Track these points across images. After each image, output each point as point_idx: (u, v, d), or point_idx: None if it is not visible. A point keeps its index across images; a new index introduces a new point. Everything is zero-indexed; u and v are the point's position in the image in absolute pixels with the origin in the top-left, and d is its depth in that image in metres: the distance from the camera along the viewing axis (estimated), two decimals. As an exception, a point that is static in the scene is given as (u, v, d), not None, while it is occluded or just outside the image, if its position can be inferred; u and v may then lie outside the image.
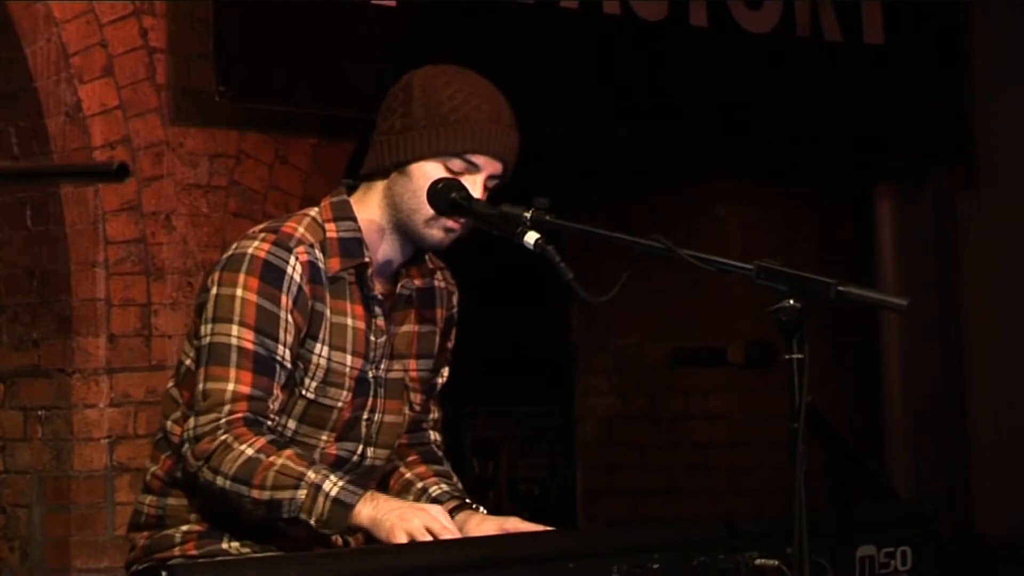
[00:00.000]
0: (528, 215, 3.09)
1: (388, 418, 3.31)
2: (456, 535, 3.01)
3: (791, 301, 2.83)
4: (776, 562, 2.98)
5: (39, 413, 5.70)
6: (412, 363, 3.34)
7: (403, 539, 2.94)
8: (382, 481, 3.44)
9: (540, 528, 3.18)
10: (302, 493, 3.02)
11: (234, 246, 3.20)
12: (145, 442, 5.43)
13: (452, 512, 3.28)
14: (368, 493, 3.03)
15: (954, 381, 7.78)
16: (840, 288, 2.83)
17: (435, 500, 3.34)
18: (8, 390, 5.80)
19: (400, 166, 3.20)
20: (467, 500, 3.34)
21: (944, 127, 7.67)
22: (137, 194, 5.68)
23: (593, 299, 3.04)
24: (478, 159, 3.19)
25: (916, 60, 7.46)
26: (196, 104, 5.78)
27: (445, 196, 3.18)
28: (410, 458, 3.45)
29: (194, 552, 3.21)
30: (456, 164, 3.18)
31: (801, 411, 2.79)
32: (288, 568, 2.70)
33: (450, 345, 3.44)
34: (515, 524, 3.19)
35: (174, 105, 5.76)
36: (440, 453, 3.49)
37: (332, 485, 3.02)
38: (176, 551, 3.21)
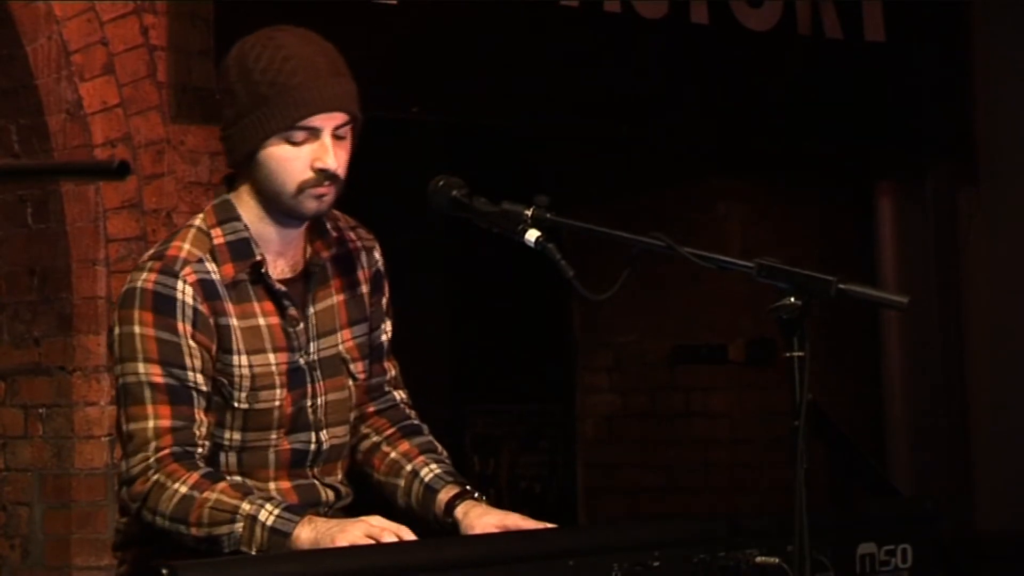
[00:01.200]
0: (529, 213, 3.10)
1: (331, 397, 3.28)
2: (402, 532, 2.96)
3: (791, 299, 2.83)
4: (777, 560, 2.98)
5: (40, 411, 5.71)
6: (345, 333, 3.30)
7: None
8: (365, 462, 3.41)
9: (541, 525, 3.16)
10: (239, 526, 3.00)
11: (128, 279, 3.17)
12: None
13: (453, 501, 3.26)
14: (305, 517, 3.00)
15: (954, 379, 7.78)
16: (840, 286, 2.84)
17: (428, 486, 3.30)
18: (9, 388, 5.81)
19: (249, 157, 3.16)
20: (467, 487, 3.30)
21: (944, 125, 7.67)
22: (138, 192, 5.68)
23: (594, 297, 3.04)
24: (312, 122, 3.13)
25: (917, 58, 7.46)
26: (197, 102, 5.78)
27: (446, 194, 3.18)
28: (388, 431, 3.41)
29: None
30: (297, 135, 3.13)
31: (802, 409, 2.80)
32: (288, 567, 2.71)
33: (385, 300, 3.39)
34: (516, 520, 3.16)
35: (175, 103, 5.76)
36: (413, 414, 3.44)
37: (268, 515, 3.00)
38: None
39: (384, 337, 3.40)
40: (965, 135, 7.73)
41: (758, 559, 3.02)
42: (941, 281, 7.76)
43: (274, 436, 3.21)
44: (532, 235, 3.08)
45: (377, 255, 3.39)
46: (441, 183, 3.19)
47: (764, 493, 7.23)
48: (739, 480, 7.41)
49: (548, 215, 3.09)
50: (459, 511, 3.24)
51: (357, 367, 3.33)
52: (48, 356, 5.69)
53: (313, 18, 5.71)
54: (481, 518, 3.19)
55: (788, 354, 2.83)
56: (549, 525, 3.18)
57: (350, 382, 3.32)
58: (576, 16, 6.39)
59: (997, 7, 7.69)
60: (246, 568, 2.68)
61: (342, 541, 2.92)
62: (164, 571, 2.55)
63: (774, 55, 6.99)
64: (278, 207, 3.18)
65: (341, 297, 3.31)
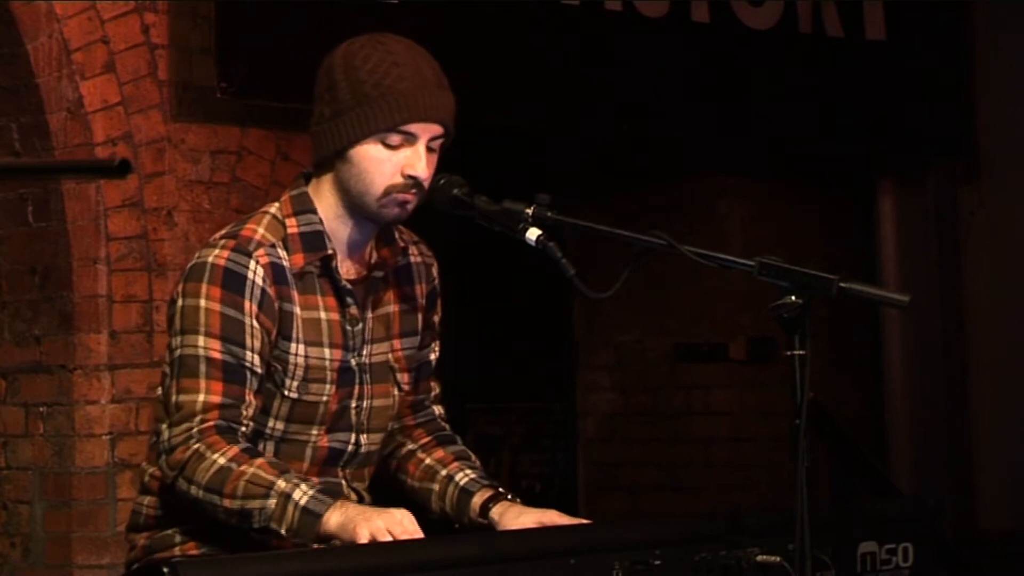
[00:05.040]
0: (530, 211, 3.10)
1: (377, 402, 3.31)
2: (416, 536, 2.97)
3: (792, 297, 2.83)
4: (778, 558, 2.98)
5: (41, 409, 5.71)
6: (396, 343, 3.34)
7: (365, 536, 2.93)
8: (399, 468, 3.45)
9: (577, 521, 3.18)
10: (272, 502, 3.02)
11: (197, 255, 3.20)
12: (147, 438, 5.41)
13: (488, 503, 3.29)
14: (338, 501, 3.03)
15: (956, 376, 7.78)
16: (842, 284, 2.84)
17: (464, 489, 3.34)
18: (10, 386, 5.81)
19: (340, 153, 3.19)
20: (500, 490, 3.33)
21: (945, 122, 7.67)
22: (139, 190, 5.68)
23: (595, 295, 3.05)
24: (412, 128, 3.16)
25: (917, 56, 7.46)
26: (198, 100, 5.78)
27: (447, 192, 3.19)
28: (423, 440, 3.45)
29: (195, 552, 3.21)
30: (393, 138, 3.16)
31: (803, 407, 2.80)
32: (289, 564, 2.71)
33: (437, 319, 3.44)
34: (552, 517, 3.20)
35: (176, 101, 5.76)
36: (448, 428, 3.49)
37: (302, 494, 3.02)
38: (177, 551, 3.22)
39: (432, 356, 3.45)
40: (966, 133, 7.73)
41: (759, 557, 3.02)
42: (942, 279, 7.76)
43: (315, 431, 3.24)
44: (533, 234, 3.08)
45: (435, 272, 3.43)
46: (442, 181, 3.20)
47: (765, 491, 7.23)
48: (740, 478, 7.41)
49: (549, 214, 3.10)
50: (495, 512, 3.27)
51: (403, 377, 3.37)
52: (49, 354, 5.70)
53: (313, 17, 5.73)
54: (517, 518, 3.22)
55: (789, 352, 2.83)
56: (585, 521, 3.21)
57: (395, 391, 3.35)
58: (577, 15, 6.39)
59: (998, 6, 7.69)
60: (246, 566, 2.67)
61: (363, 530, 2.94)
62: (165, 569, 2.55)
63: (775, 54, 6.99)
64: (360, 208, 3.21)
65: (397, 307, 3.34)
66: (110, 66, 5.63)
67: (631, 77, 6.59)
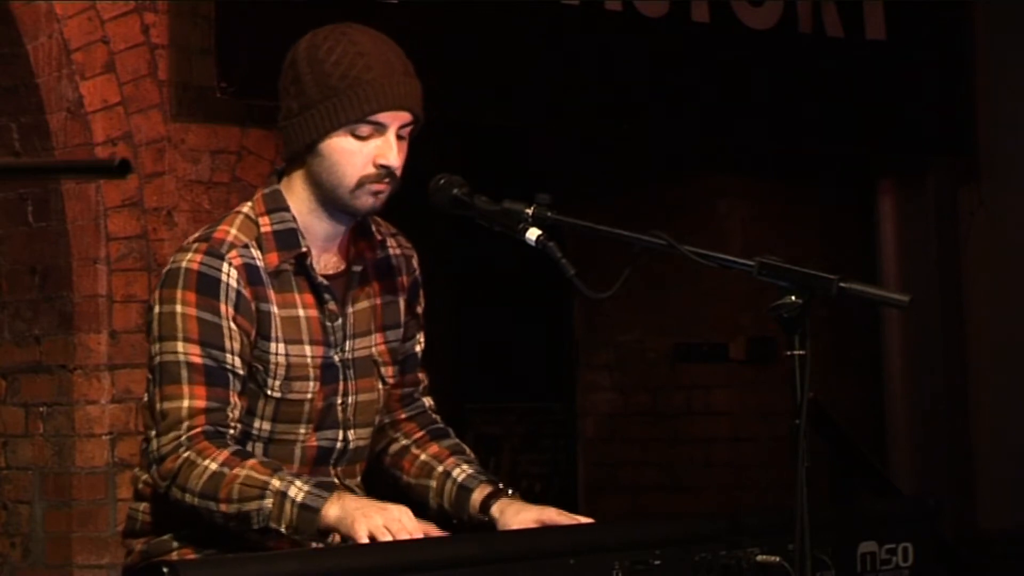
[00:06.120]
0: (530, 211, 3.09)
1: (362, 397, 3.30)
2: (416, 535, 2.97)
3: (792, 297, 2.83)
4: (778, 558, 2.98)
5: (41, 409, 5.71)
6: (379, 337, 3.32)
7: (363, 534, 2.93)
8: (393, 464, 3.44)
9: (577, 519, 3.18)
10: (268, 502, 3.02)
11: (171, 259, 3.19)
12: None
13: (488, 499, 3.28)
14: (334, 494, 3.02)
15: (956, 376, 7.78)
16: (842, 284, 2.83)
17: (462, 486, 3.32)
18: (10, 386, 5.81)
19: (310, 147, 3.18)
20: (500, 486, 3.32)
21: (945, 122, 7.67)
22: (139, 190, 5.68)
23: (595, 295, 3.04)
24: (381, 117, 3.15)
25: (917, 56, 7.46)
26: (198, 100, 5.78)
27: (447, 192, 3.18)
28: (416, 435, 3.44)
29: (192, 557, 3.20)
30: (363, 129, 3.15)
31: (803, 407, 2.80)
32: (288, 565, 2.71)
33: (420, 309, 3.42)
34: (552, 515, 3.19)
35: (176, 101, 5.76)
36: (440, 420, 3.48)
37: (297, 491, 3.01)
38: (174, 555, 3.21)
39: (418, 348, 3.44)
40: (966, 132, 7.73)
41: (759, 557, 3.02)
42: (943, 279, 7.76)
43: (303, 430, 3.23)
44: (533, 234, 3.08)
45: (415, 264, 3.42)
46: (442, 181, 3.20)
47: (765, 491, 7.23)
48: (740, 478, 7.41)
49: (549, 213, 3.09)
50: (495, 508, 3.26)
51: (387, 371, 3.35)
52: (49, 354, 5.70)
53: (313, 16, 5.72)
54: (518, 515, 3.21)
55: (789, 352, 2.82)
56: (585, 519, 3.20)
57: (380, 385, 3.34)
58: (577, 15, 6.39)
59: (998, 6, 7.69)
60: (246, 566, 2.67)
61: (361, 527, 2.93)
62: (164, 570, 2.55)
63: (775, 53, 6.99)
64: (333, 201, 3.19)
65: (379, 301, 3.33)
66: (110, 66, 5.63)
67: (631, 77, 6.59)
